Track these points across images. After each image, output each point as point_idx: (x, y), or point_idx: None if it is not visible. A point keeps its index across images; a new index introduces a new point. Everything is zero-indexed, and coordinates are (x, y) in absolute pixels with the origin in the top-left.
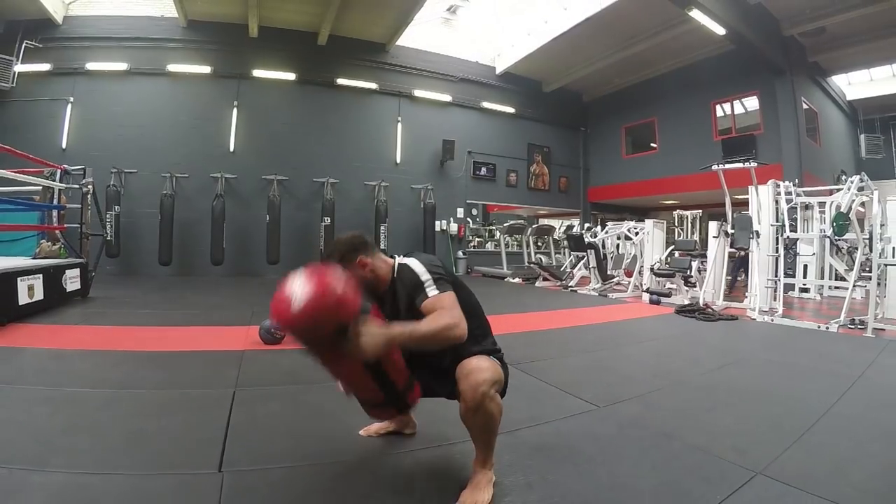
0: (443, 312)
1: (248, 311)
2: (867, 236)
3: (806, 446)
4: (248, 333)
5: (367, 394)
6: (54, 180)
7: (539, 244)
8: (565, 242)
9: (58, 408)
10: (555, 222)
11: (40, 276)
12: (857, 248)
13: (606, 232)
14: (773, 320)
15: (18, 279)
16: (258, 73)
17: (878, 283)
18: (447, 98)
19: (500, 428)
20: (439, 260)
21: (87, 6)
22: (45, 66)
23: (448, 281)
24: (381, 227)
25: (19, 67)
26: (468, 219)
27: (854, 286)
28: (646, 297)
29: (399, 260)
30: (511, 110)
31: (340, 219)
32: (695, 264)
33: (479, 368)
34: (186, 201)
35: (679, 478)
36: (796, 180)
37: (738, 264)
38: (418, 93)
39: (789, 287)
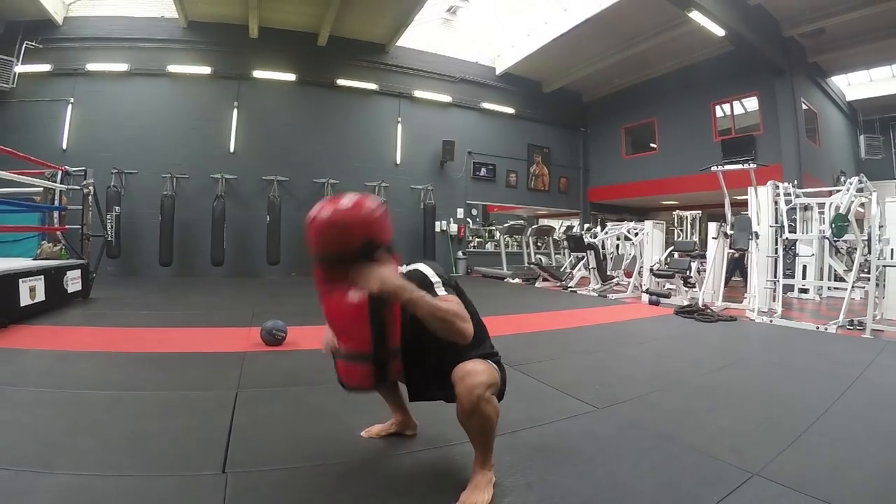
0: (454, 306)
1: (248, 313)
2: (866, 237)
3: (803, 447)
4: (249, 334)
5: (355, 342)
6: (55, 181)
7: (539, 245)
8: (565, 243)
9: (61, 409)
10: (554, 223)
11: (42, 277)
12: (856, 249)
13: (606, 233)
14: (771, 321)
15: (20, 280)
16: (258, 73)
17: (877, 284)
18: (447, 99)
19: (501, 429)
20: (442, 268)
21: (87, 7)
22: (46, 67)
23: (452, 287)
24: None
25: (19, 68)
26: (468, 219)
27: (853, 287)
28: (645, 297)
29: (404, 268)
30: (511, 111)
31: None
32: (694, 265)
33: (474, 371)
34: (187, 202)
35: (677, 478)
36: (795, 181)
37: (733, 265)
38: (418, 93)
39: (788, 288)
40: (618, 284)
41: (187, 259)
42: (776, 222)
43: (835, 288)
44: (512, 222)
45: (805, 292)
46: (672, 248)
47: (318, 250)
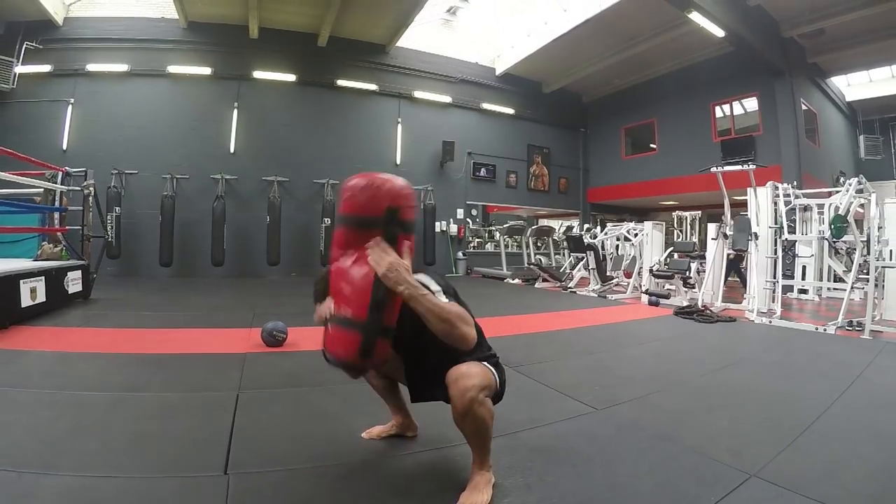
0: (457, 308)
1: (249, 314)
2: (865, 238)
3: (801, 448)
4: (249, 335)
5: (352, 307)
6: (56, 182)
7: (539, 245)
8: (565, 243)
9: (63, 411)
10: (554, 223)
11: (42, 278)
12: (855, 250)
13: (606, 233)
14: (771, 322)
15: (21, 281)
16: (258, 74)
17: (876, 285)
18: (447, 99)
19: (500, 430)
20: (441, 279)
21: (87, 7)
22: (46, 68)
23: (453, 296)
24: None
25: (20, 68)
26: (468, 220)
27: (852, 288)
28: (645, 298)
29: None
30: (511, 111)
31: None
32: (694, 266)
33: (466, 374)
34: (187, 202)
35: (676, 479)
36: (795, 182)
37: (728, 266)
38: (418, 94)
39: (788, 288)
40: (617, 285)
41: (187, 259)
42: (775, 223)
43: (834, 289)
44: (512, 223)
45: (804, 293)
46: (671, 248)
47: (345, 211)
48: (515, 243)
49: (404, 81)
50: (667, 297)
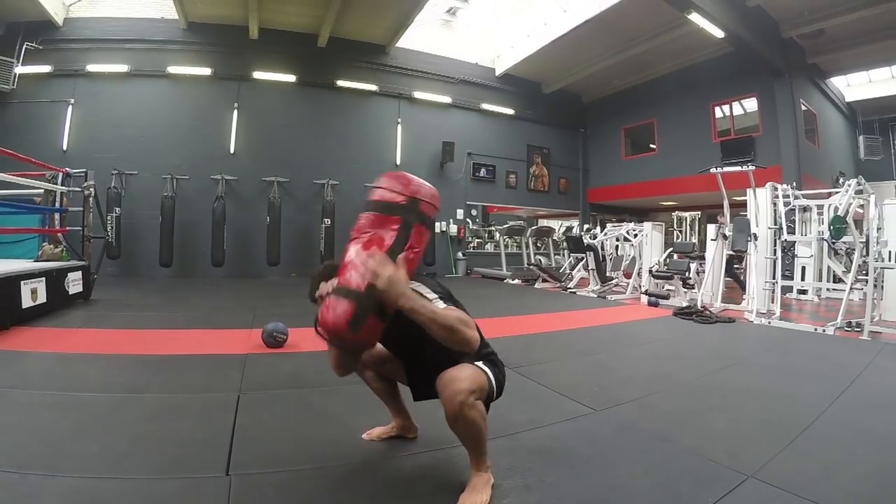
0: (457, 313)
1: (249, 314)
2: (864, 239)
3: (798, 449)
4: (250, 336)
5: (354, 278)
6: (56, 183)
7: (538, 245)
8: (564, 244)
9: (65, 412)
10: (554, 223)
11: (43, 279)
12: (855, 250)
13: (605, 234)
14: (770, 323)
15: (22, 282)
16: (258, 74)
17: (875, 286)
18: (447, 100)
19: (500, 431)
20: (436, 283)
21: (87, 8)
22: (46, 68)
23: (449, 299)
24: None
25: (20, 69)
26: (468, 220)
27: (851, 288)
28: (644, 299)
29: None
30: (510, 112)
31: (341, 220)
32: (693, 266)
33: (455, 379)
34: (187, 203)
35: (673, 480)
36: (794, 183)
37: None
38: (418, 94)
39: (787, 289)
40: (617, 286)
41: (188, 260)
42: (775, 224)
43: (833, 289)
44: (511, 223)
45: (804, 293)
46: (671, 249)
47: (372, 198)
48: (515, 244)
49: (404, 82)
50: (666, 297)
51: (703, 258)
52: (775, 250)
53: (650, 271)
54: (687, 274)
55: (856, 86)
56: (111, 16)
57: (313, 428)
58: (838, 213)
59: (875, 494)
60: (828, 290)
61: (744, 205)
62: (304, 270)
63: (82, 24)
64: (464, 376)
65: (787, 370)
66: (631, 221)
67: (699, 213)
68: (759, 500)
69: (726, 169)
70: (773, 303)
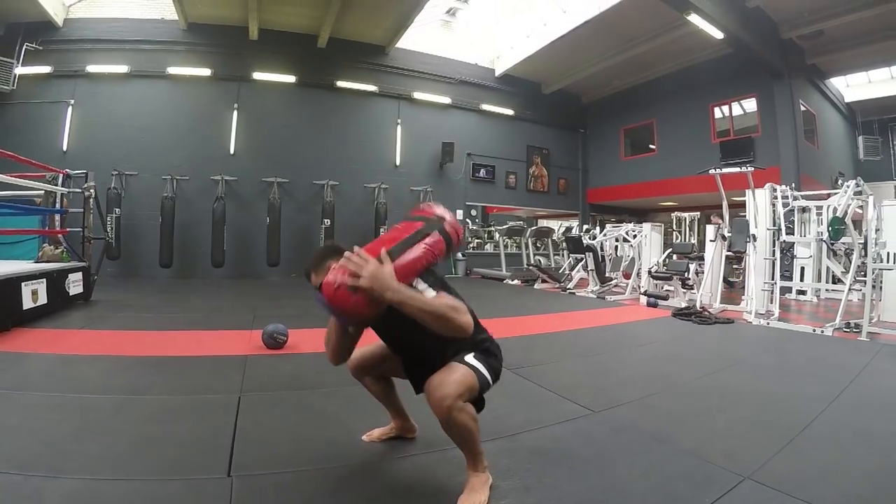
0: (447, 300)
1: (249, 315)
2: (862, 240)
3: (796, 451)
4: (250, 337)
5: (373, 249)
6: (56, 184)
7: (538, 246)
8: (564, 244)
9: (66, 414)
10: (553, 223)
11: (44, 280)
12: (854, 251)
13: (605, 234)
14: (768, 323)
15: (22, 284)
16: (258, 75)
17: (874, 287)
18: (446, 100)
19: (499, 432)
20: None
21: (87, 9)
22: (46, 69)
23: (440, 286)
24: (381, 229)
25: (20, 70)
26: (467, 220)
27: (850, 289)
28: (643, 299)
29: None
30: (510, 112)
31: (340, 221)
32: (692, 267)
33: (441, 384)
34: (187, 203)
35: (670, 481)
36: (793, 184)
37: None
38: (418, 95)
39: (787, 289)
40: (616, 286)
41: (187, 260)
42: (774, 225)
43: (832, 290)
44: (511, 223)
45: (803, 294)
46: (670, 250)
47: (410, 212)
48: (515, 244)
49: (404, 82)
50: (665, 298)
51: (702, 259)
52: (774, 251)
53: (649, 272)
54: (686, 275)
55: (855, 86)
56: (111, 16)
57: (314, 429)
58: (837, 215)
59: (872, 495)
60: (827, 290)
61: (743, 205)
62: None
63: (82, 25)
64: (450, 381)
65: (786, 371)
66: (630, 222)
67: (698, 213)
68: (755, 502)
69: (725, 170)
70: (771, 303)
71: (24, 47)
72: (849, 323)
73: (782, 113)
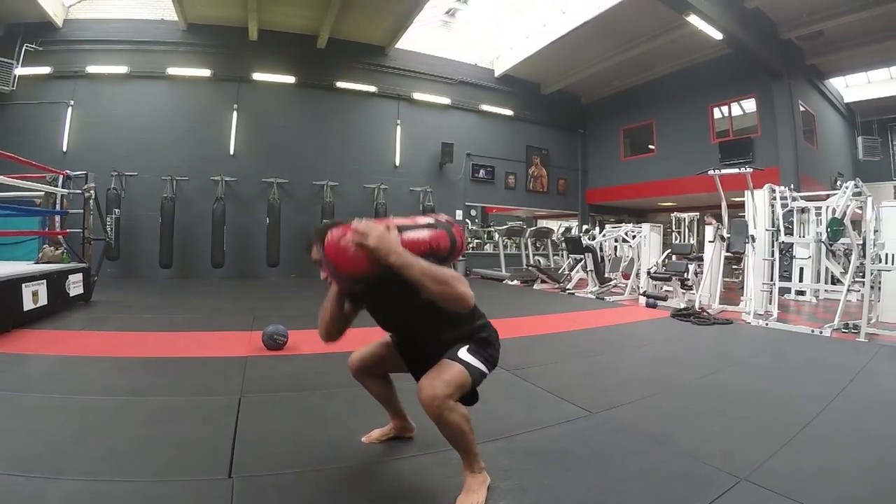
0: (450, 269)
1: (249, 316)
2: (861, 241)
3: (792, 452)
4: (251, 339)
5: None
6: (56, 185)
7: (537, 246)
8: (563, 245)
9: (68, 415)
10: (553, 224)
11: (44, 281)
12: (853, 251)
13: (604, 235)
14: (767, 324)
15: (23, 285)
16: (258, 76)
17: (872, 288)
18: (446, 101)
19: (497, 433)
20: None
21: (87, 9)
22: (46, 70)
23: (441, 262)
24: None
25: (19, 70)
26: (467, 221)
27: (849, 290)
28: (643, 300)
29: None
30: (510, 112)
31: None
32: (691, 268)
33: (431, 385)
34: (187, 204)
35: (667, 482)
36: (792, 185)
37: None
38: (417, 95)
39: (785, 290)
40: (615, 287)
41: (187, 261)
42: (773, 225)
43: (831, 290)
44: (510, 224)
45: (802, 294)
46: (669, 250)
47: (426, 215)
48: (514, 244)
49: (403, 83)
50: (664, 299)
51: (701, 259)
52: (773, 252)
53: (648, 272)
54: (685, 275)
55: (854, 87)
56: (111, 17)
57: (314, 430)
58: (836, 216)
59: (869, 497)
60: (826, 291)
61: (743, 205)
62: (303, 272)
63: (82, 26)
64: (439, 381)
65: (784, 372)
66: (630, 222)
67: (698, 214)
68: (751, 503)
69: (724, 171)
70: (770, 304)
71: (24, 48)
72: (847, 324)
73: (781, 113)
